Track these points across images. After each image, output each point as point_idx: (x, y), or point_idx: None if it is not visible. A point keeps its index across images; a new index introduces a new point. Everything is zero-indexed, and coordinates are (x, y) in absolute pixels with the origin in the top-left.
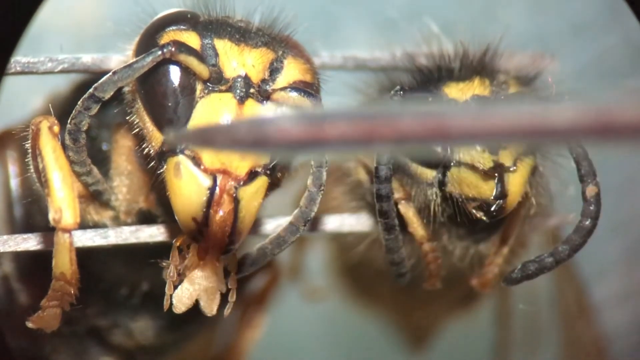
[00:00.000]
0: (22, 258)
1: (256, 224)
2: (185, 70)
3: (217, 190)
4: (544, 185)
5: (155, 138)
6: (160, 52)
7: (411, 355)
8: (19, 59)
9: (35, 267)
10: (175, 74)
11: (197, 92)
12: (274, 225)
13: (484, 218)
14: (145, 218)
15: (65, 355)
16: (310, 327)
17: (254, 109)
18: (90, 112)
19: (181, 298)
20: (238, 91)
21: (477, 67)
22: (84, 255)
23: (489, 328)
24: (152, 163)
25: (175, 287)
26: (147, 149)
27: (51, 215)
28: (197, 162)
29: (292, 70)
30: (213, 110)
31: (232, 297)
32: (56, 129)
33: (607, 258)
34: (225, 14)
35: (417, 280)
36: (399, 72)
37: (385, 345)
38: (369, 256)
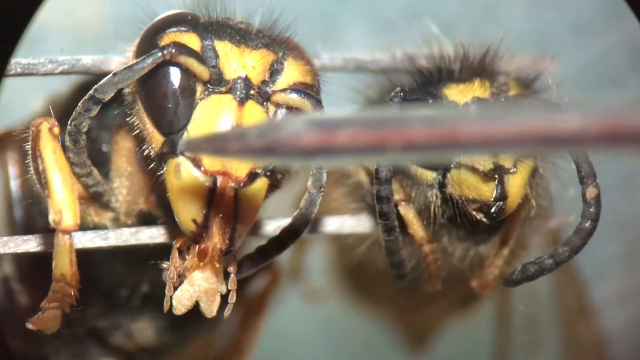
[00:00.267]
0: (22, 259)
1: (256, 225)
2: (186, 72)
3: (217, 191)
4: (544, 186)
5: (156, 139)
6: (160, 54)
7: (411, 356)
8: (19, 60)
9: (36, 268)
10: (175, 76)
11: (198, 93)
12: (274, 227)
13: (484, 220)
14: (145, 219)
15: (65, 356)
16: (310, 328)
17: (254, 111)
18: (91, 114)
19: (181, 299)
20: (238, 92)
21: (478, 68)
22: (84, 257)
23: (489, 329)
24: (152, 164)
25: (175, 289)
26: (147, 151)
27: (51, 217)
28: (197, 163)
29: (292, 72)
30: (213, 111)
31: (232, 299)
32: (56, 130)
33: (607, 258)
34: (226, 16)
35: (417, 282)
36: (399, 73)
37: (385, 346)
38: (369, 257)
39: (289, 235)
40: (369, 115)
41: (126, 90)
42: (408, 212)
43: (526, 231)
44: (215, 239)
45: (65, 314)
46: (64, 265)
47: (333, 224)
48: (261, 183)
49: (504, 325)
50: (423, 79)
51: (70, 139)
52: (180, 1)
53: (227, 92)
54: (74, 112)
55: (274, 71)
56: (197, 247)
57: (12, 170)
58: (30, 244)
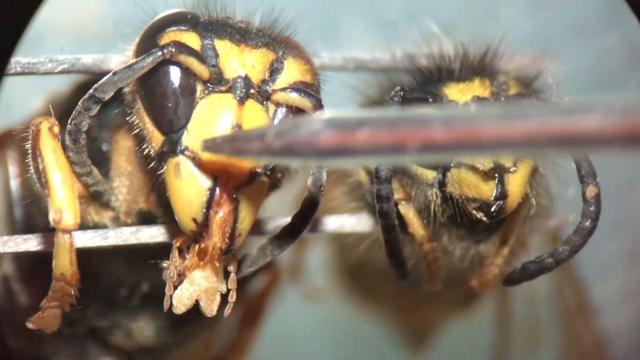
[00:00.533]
0: (23, 259)
1: (256, 225)
2: (186, 71)
3: (217, 191)
4: (544, 186)
5: (156, 139)
6: (160, 53)
7: (411, 356)
8: (19, 59)
9: (36, 268)
10: (175, 75)
11: (198, 92)
12: (274, 226)
13: (484, 219)
14: (145, 219)
15: (65, 355)
16: (311, 327)
17: (254, 110)
18: (91, 113)
19: (181, 298)
20: (238, 92)
21: (478, 67)
22: (84, 256)
23: (489, 328)
24: (152, 164)
25: (175, 288)
26: (147, 150)
27: (51, 216)
28: (197, 162)
29: (292, 71)
30: (213, 110)
31: (232, 298)
32: (56, 129)
33: (607, 258)
34: (226, 15)
35: (417, 281)
36: (399, 72)
37: (385, 345)
38: (369, 257)
39: (289, 235)
40: (387, 115)
41: (126, 90)
42: (408, 211)
43: (526, 230)
44: (215, 238)
45: (65, 313)
46: (64, 264)
47: (333, 223)
48: (261, 182)
49: (503, 324)
50: (423, 78)
51: (70, 138)
52: (180, 0)
53: (227, 91)
54: (74, 111)
55: (274, 70)
56: (197, 246)
57: (12, 169)
58: (30, 243)
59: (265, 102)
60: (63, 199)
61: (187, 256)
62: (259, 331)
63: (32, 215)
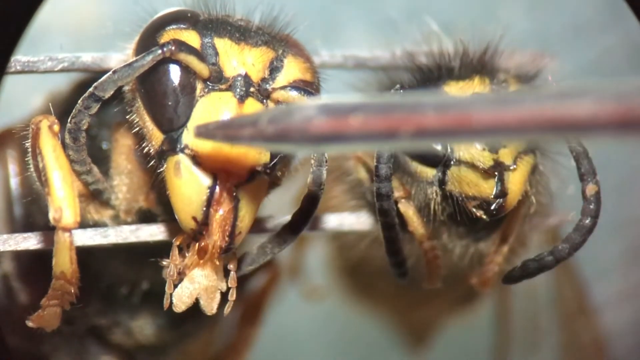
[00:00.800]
0: (22, 257)
1: (256, 223)
2: (185, 69)
3: (217, 189)
4: (544, 183)
5: (156, 137)
6: (160, 51)
7: (411, 354)
8: (19, 57)
9: (36, 266)
10: (175, 73)
11: (197, 91)
12: (274, 224)
13: (484, 217)
14: (145, 217)
15: (65, 354)
16: (310, 326)
17: (254, 108)
18: (91, 111)
19: (181, 297)
20: (238, 90)
21: (477, 65)
22: (84, 254)
23: (489, 327)
24: (152, 162)
25: (175, 286)
26: (147, 148)
27: (51, 214)
28: (197, 161)
29: (292, 69)
30: (213, 109)
31: (231, 296)
32: (56, 128)
33: (607, 258)
34: (225, 13)
35: (417, 279)
36: (399, 70)
37: (385, 344)
38: (369, 255)
39: (289, 233)
40: (380, 100)
41: (126, 88)
42: (408, 210)
43: (526, 228)
44: (215, 237)
45: (65, 312)
46: (64, 262)
47: (333, 222)
48: (261, 180)
49: (503, 323)
50: (423, 76)
51: (70, 136)
52: None
53: (227, 90)
54: (73, 110)
55: (274, 68)
56: (197, 244)
57: (12, 167)
58: (30, 241)
59: (265, 101)
60: (63, 198)
61: (187, 254)
62: (259, 329)
63: (32, 213)
